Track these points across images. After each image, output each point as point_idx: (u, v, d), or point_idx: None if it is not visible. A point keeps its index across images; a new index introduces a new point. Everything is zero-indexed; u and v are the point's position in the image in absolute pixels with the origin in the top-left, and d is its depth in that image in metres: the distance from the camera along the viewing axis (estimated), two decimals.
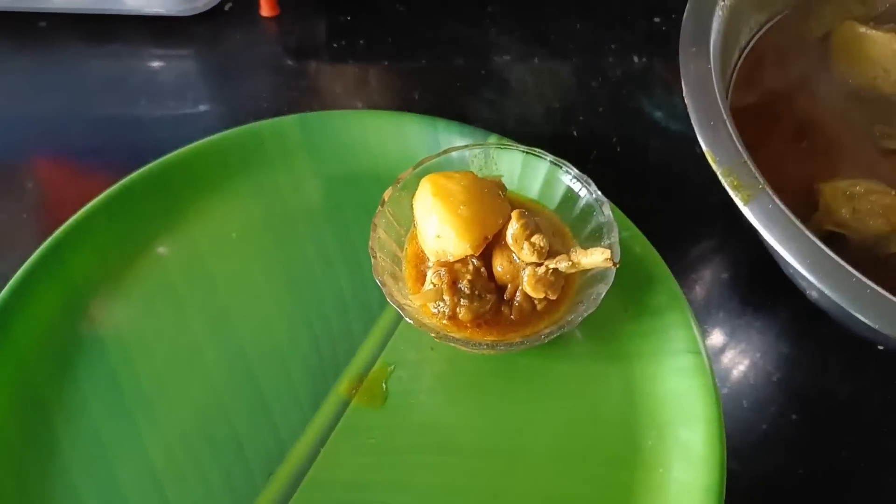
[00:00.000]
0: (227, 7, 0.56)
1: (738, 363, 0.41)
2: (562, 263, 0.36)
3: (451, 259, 0.37)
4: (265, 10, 0.55)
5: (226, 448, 0.37)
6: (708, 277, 0.44)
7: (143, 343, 0.40)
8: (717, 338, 0.42)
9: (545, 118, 0.50)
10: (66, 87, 0.54)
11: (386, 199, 0.39)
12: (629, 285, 0.41)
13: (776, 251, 0.32)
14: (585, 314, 0.37)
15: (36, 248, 0.41)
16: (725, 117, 0.35)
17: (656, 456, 0.37)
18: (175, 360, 0.40)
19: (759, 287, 0.43)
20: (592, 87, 0.52)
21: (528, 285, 0.37)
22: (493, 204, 0.37)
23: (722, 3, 0.40)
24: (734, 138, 0.35)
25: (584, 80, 0.52)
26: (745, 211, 0.33)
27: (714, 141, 0.35)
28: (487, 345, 0.36)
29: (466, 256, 0.37)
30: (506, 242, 0.37)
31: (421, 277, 0.39)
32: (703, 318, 0.42)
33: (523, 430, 0.38)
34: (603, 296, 0.37)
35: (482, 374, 0.40)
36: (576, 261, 0.36)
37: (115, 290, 0.42)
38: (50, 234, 0.42)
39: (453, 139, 0.45)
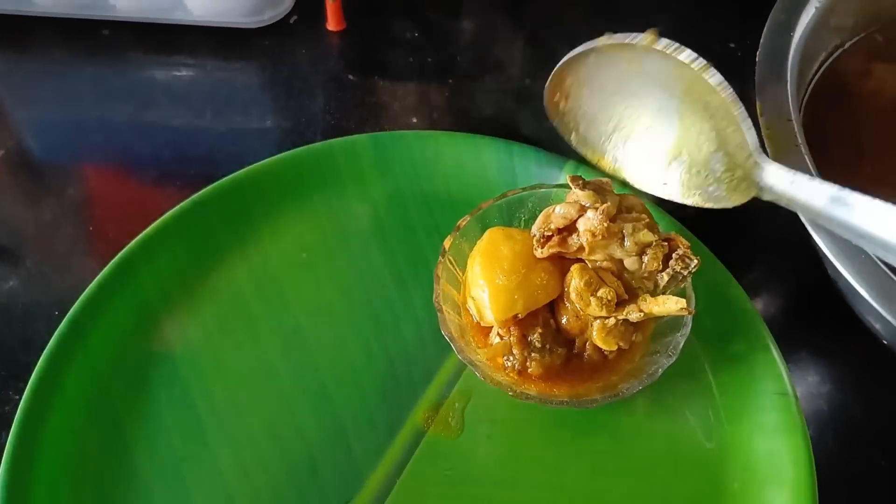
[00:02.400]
0: (292, 20, 0.56)
1: (821, 402, 0.40)
2: (632, 314, 0.35)
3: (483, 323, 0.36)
4: (332, 25, 0.55)
5: (301, 471, 0.37)
6: (785, 313, 0.43)
7: (216, 360, 0.40)
8: (798, 376, 0.41)
9: None
10: (129, 96, 0.53)
11: (446, 249, 0.38)
12: (710, 322, 0.40)
13: (845, 280, 0.32)
14: (665, 366, 0.36)
15: (101, 260, 0.41)
16: (801, 141, 0.35)
17: (743, 499, 0.36)
18: (248, 379, 0.39)
19: (841, 324, 0.42)
20: None
21: (598, 339, 0.36)
22: (538, 281, 0.36)
23: (804, 20, 0.39)
24: (811, 167, 0.34)
25: None
26: (817, 239, 0.33)
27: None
28: (565, 402, 0.35)
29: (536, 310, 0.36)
30: (569, 297, 0.36)
31: (484, 329, 0.38)
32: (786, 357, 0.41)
33: (602, 468, 0.37)
34: (682, 345, 0.36)
35: (562, 409, 0.39)
36: (647, 311, 0.35)
37: (188, 306, 0.41)
38: (115, 246, 0.41)
39: (528, 164, 0.45)
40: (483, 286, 0.36)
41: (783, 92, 0.36)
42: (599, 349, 0.36)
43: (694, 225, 0.42)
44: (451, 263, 0.38)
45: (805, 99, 0.41)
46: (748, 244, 0.45)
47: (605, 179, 0.37)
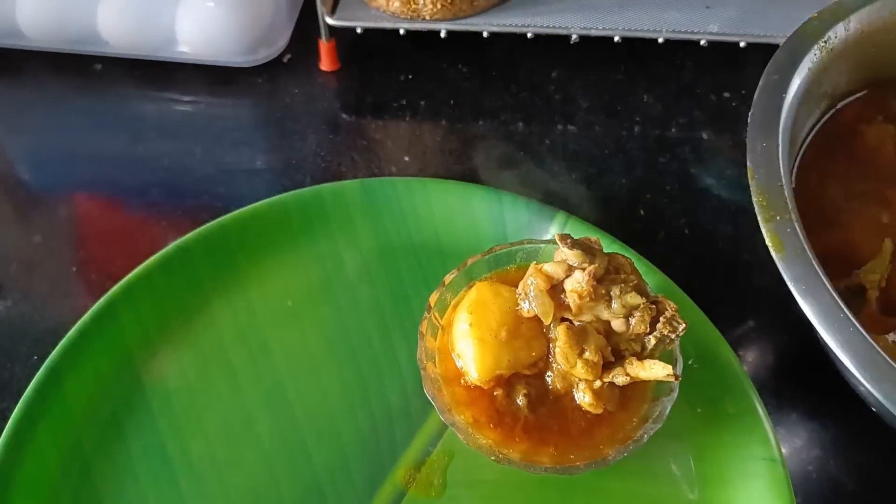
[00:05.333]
0: (285, 59, 0.56)
1: (810, 470, 0.39)
2: (618, 378, 0.35)
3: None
4: (325, 65, 0.54)
5: None
6: (776, 374, 0.42)
7: (195, 412, 0.39)
8: (787, 441, 0.40)
9: (612, 193, 0.49)
10: (120, 130, 0.53)
11: (432, 305, 0.38)
12: (700, 383, 0.39)
13: (830, 349, 0.31)
14: (651, 432, 0.35)
15: (82, 302, 0.40)
16: (791, 207, 0.34)
17: None
18: (227, 432, 0.38)
19: (832, 387, 0.41)
20: (660, 164, 0.50)
21: (585, 403, 0.35)
22: (524, 340, 0.35)
23: (796, 82, 0.39)
24: (799, 232, 0.34)
25: (652, 156, 0.51)
26: (802, 303, 0.32)
27: (779, 230, 0.34)
28: (548, 468, 0.34)
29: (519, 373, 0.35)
30: (555, 357, 0.35)
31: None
32: (775, 421, 0.41)
33: None
34: (668, 410, 0.36)
35: None
36: (633, 374, 0.34)
37: (168, 354, 0.40)
38: (97, 287, 0.41)
39: (519, 214, 0.44)
40: (469, 343, 0.35)
41: (775, 155, 0.36)
42: (589, 414, 0.36)
43: (685, 281, 0.41)
44: (436, 319, 0.37)
45: (797, 161, 0.41)
46: (740, 301, 0.44)
47: (593, 238, 0.37)
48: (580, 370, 0.34)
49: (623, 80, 0.54)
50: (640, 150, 0.51)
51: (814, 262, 0.33)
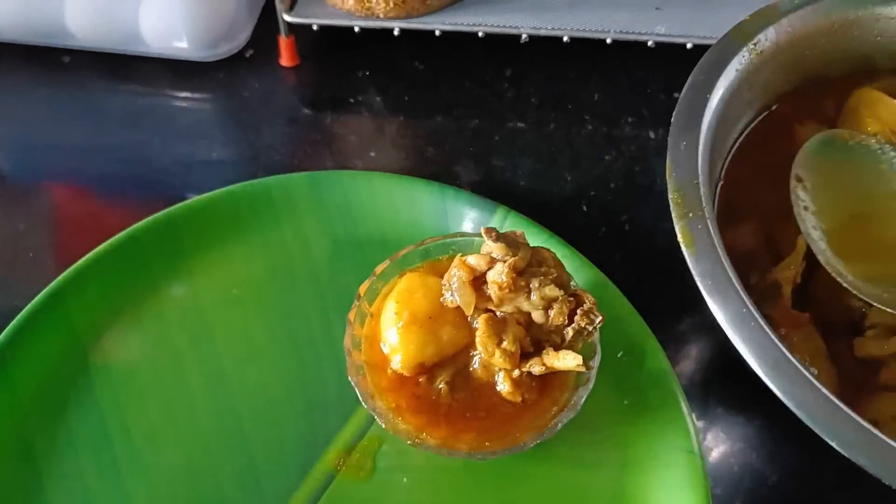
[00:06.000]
0: (247, 54, 0.57)
1: (732, 462, 0.40)
2: (535, 367, 0.36)
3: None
4: (285, 60, 0.56)
5: None
6: (704, 370, 0.43)
7: (138, 396, 0.40)
8: (712, 433, 0.42)
9: (557, 189, 0.50)
10: (85, 120, 0.55)
11: (362, 294, 0.39)
12: (627, 375, 0.40)
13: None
14: (566, 420, 0.36)
15: (41, 284, 0.41)
16: (704, 205, 0.35)
17: None
18: (168, 415, 0.40)
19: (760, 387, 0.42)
20: (606, 161, 0.51)
21: (504, 392, 0.36)
22: (448, 330, 0.36)
23: (723, 83, 0.40)
24: (712, 231, 0.34)
25: (599, 153, 0.52)
26: (708, 299, 0.33)
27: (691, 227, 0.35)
28: (465, 453, 0.35)
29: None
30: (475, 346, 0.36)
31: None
32: (701, 413, 0.42)
33: None
34: (584, 400, 0.37)
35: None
36: (549, 364, 0.36)
37: (115, 340, 0.42)
38: (49, 272, 0.42)
39: (461, 209, 0.45)
40: (394, 331, 0.36)
41: (694, 154, 0.37)
42: (510, 402, 0.37)
43: (622, 276, 0.42)
44: (365, 308, 0.38)
45: (727, 161, 0.42)
46: (675, 298, 0.45)
47: (519, 231, 0.38)
48: (498, 359, 0.35)
49: (576, 79, 0.55)
50: (588, 146, 0.52)
51: (723, 259, 0.34)
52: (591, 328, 0.36)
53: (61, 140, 0.54)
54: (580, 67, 0.56)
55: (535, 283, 0.36)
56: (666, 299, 0.45)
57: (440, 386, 0.36)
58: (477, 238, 0.40)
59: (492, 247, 0.36)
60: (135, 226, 0.44)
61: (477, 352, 0.37)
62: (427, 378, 0.36)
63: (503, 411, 0.36)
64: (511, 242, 0.37)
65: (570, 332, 0.36)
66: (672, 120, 0.38)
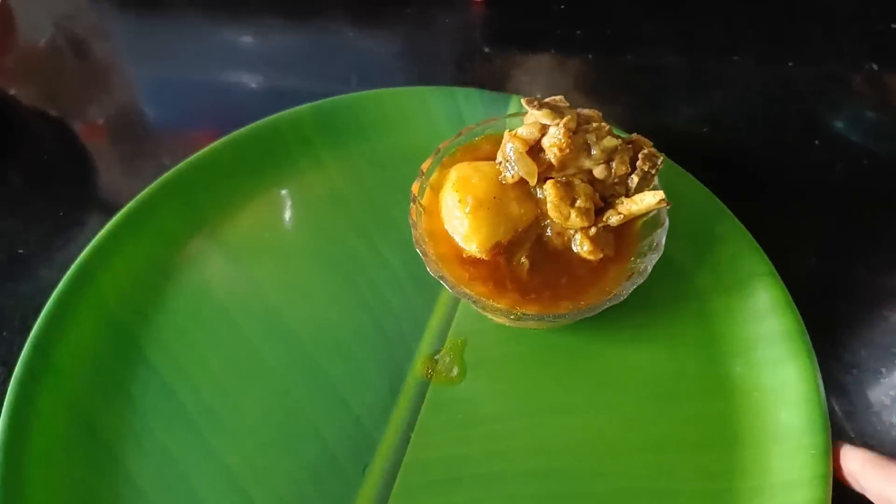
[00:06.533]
0: None
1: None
2: (612, 218, 0.36)
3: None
4: None
5: (310, 448, 0.35)
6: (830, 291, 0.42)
7: (193, 354, 0.38)
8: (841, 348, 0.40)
9: (786, 125, 0.49)
10: (267, 63, 0.52)
11: (416, 194, 0.38)
12: (691, 221, 0.41)
13: None
14: (653, 262, 0.36)
15: None
16: None
17: (748, 380, 0.37)
18: (234, 369, 0.38)
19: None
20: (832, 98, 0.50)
21: (584, 252, 0.36)
22: (514, 206, 0.36)
23: None
24: None
25: (822, 90, 0.51)
26: None
27: None
28: (565, 315, 0.34)
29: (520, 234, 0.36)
30: (548, 214, 0.36)
31: (465, 260, 0.36)
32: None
33: (608, 381, 0.37)
34: (664, 240, 0.36)
35: (558, 332, 0.39)
36: (626, 212, 0.36)
37: (155, 307, 0.39)
38: None
39: (475, 107, 0.45)
40: (461, 219, 0.35)
41: None
42: (590, 263, 0.36)
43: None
44: (421, 207, 0.37)
45: None
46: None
47: (558, 97, 0.37)
48: (574, 219, 0.35)
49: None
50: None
51: None
52: (654, 171, 0.36)
53: (238, 84, 0.51)
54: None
55: (591, 139, 0.35)
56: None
57: (522, 261, 0.36)
58: (508, 119, 0.40)
59: (537, 115, 0.36)
60: (146, 189, 0.41)
61: (547, 221, 0.36)
62: (505, 257, 0.36)
63: (585, 272, 0.36)
64: (554, 107, 0.36)
65: (634, 178, 0.36)
66: None
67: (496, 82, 0.51)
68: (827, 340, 0.39)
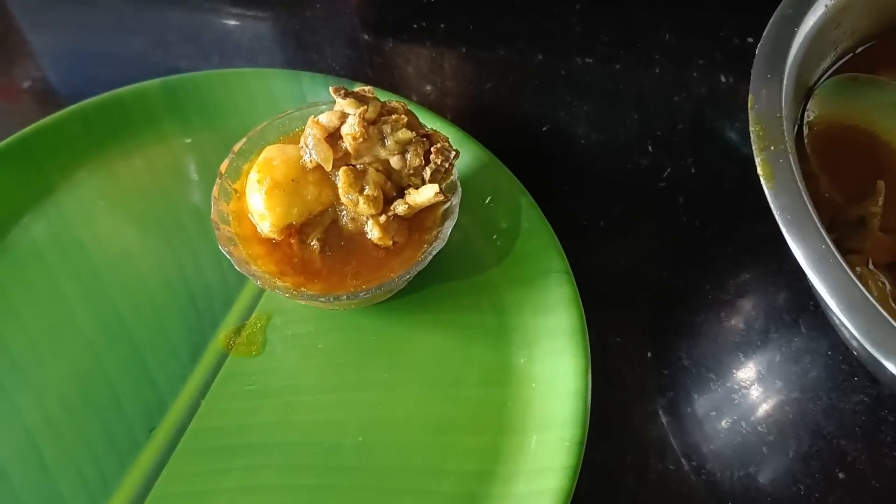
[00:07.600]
0: None
1: (787, 410, 0.40)
2: (399, 208, 0.37)
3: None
4: None
5: (105, 407, 0.37)
6: (753, 307, 0.43)
7: (12, 314, 0.40)
8: (751, 369, 0.41)
9: (622, 127, 0.50)
10: (144, 32, 0.54)
11: (223, 171, 0.39)
12: (497, 216, 0.42)
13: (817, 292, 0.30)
14: (434, 251, 0.38)
15: None
16: (787, 139, 0.33)
17: (529, 371, 0.38)
18: (47, 328, 0.39)
19: (807, 324, 0.42)
20: (674, 102, 0.51)
21: (375, 238, 0.37)
22: (311, 189, 0.37)
23: (811, 18, 0.38)
24: (793, 166, 0.32)
25: (667, 94, 0.51)
26: (786, 233, 0.31)
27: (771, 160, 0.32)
28: (345, 296, 0.36)
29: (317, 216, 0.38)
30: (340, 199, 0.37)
31: (264, 239, 0.38)
32: (745, 349, 0.42)
33: (398, 361, 0.39)
34: (449, 231, 0.38)
35: (357, 313, 0.41)
36: (412, 203, 0.37)
37: None
38: None
39: (318, 91, 0.46)
40: (259, 198, 0.37)
41: (778, 87, 0.34)
42: (382, 249, 0.38)
43: (684, 217, 0.45)
44: (228, 185, 0.39)
45: (812, 98, 0.40)
46: (739, 242, 0.45)
47: (367, 88, 0.39)
48: (363, 206, 0.36)
49: (646, 18, 0.54)
50: (654, 86, 0.52)
51: (804, 194, 0.32)
52: (447, 164, 0.37)
53: (117, 52, 0.53)
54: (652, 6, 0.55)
55: (387, 130, 0.37)
56: (733, 241, 0.45)
57: (312, 243, 0.37)
58: (326, 106, 0.41)
59: (342, 104, 0.37)
60: None
61: (342, 207, 0.37)
62: (298, 239, 0.37)
63: (376, 257, 0.38)
64: (360, 97, 0.38)
65: (427, 171, 0.37)
66: (757, 52, 0.36)
67: (387, 72, 0.52)
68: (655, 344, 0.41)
